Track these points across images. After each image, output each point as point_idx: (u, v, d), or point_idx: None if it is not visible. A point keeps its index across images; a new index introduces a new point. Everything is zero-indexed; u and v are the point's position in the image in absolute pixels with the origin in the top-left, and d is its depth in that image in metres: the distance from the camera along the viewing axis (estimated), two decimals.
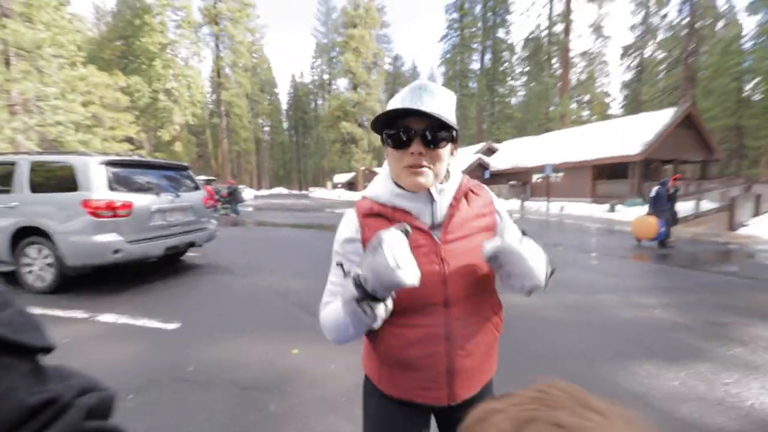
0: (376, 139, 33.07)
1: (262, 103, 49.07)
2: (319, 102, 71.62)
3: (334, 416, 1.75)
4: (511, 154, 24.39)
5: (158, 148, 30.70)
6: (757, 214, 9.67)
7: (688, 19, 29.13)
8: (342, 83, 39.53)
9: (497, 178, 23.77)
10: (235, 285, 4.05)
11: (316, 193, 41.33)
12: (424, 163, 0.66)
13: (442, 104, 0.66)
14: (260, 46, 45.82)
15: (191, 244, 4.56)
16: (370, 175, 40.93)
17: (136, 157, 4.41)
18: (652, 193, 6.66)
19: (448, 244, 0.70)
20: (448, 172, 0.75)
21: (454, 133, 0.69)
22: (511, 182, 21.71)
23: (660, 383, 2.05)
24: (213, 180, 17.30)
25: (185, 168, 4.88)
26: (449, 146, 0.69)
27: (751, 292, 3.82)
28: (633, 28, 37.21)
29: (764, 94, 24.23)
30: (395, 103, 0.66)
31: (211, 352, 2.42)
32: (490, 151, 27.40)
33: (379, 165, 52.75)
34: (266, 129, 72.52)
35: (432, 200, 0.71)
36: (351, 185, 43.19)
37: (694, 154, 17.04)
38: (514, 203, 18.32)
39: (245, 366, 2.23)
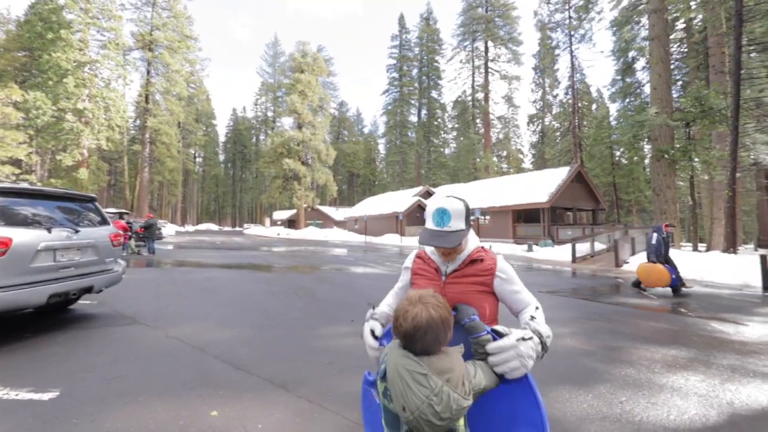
0: (321, 176, 33.32)
1: (196, 133, 46.11)
2: (261, 137, 70.25)
3: None
4: None
5: (56, 174, 26.10)
6: (633, 253, 11.96)
7: (571, 100, 37.28)
8: (287, 122, 39.79)
9: None
10: (138, 339, 3.43)
11: (252, 230, 38.64)
12: (448, 252, 1.16)
13: (457, 218, 1.10)
14: (200, 78, 44.34)
15: (87, 290, 3.79)
16: (312, 213, 40.24)
17: (25, 185, 3.70)
18: (653, 241, 6.46)
19: (447, 285, 1.16)
20: (467, 240, 1.19)
21: (467, 230, 1.13)
22: None
23: (573, 407, 2.27)
24: (126, 213, 15.12)
25: (91, 199, 4.23)
26: (464, 236, 1.11)
27: (633, 318, 4.59)
28: (534, 102, 46.01)
29: (627, 160, 31.42)
30: (429, 219, 1.14)
31: (101, 424, 1.96)
32: (427, 194, 29.54)
33: (322, 203, 52.49)
34: (199, 160, 67.53)
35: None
36: (292, 222, 41.66)
37: (586, 204, 20.77)
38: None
39: None
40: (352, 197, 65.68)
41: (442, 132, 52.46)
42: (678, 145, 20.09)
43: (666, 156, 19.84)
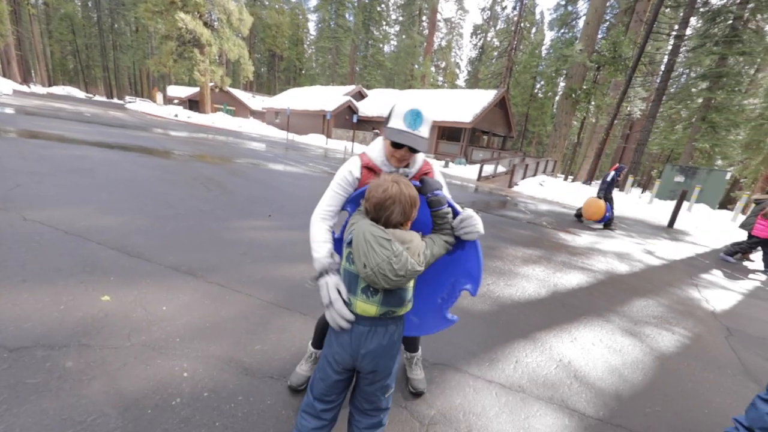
0: (231, 49, 26.81)
1: None
2: None
3: (165, 358, 1.56)
4: (377, 102, 25.25)
5: None
6: (524, 177, 14.16)
7: (516, 18, 36.07)
8: None
9: (363, 124, 24.43)
10: None
11: (137, 105, 30.79)
12: (406, 157, 1.14)
13: (427, 128, 1.09)
14: None
15: None
16: (221, 96, 33.76)
17: None
18: (608, 178, 6.73)
19: None
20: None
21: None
22: (375, 130, 22.87)
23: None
24: None
25: None
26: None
27: (511, 227, 5.71)
28: (483, 10, 42.99)
29: (543, 94, 34.08)
30: (399, 119, 1.06)
31: None
32: (360, 96, 27.43)
33: (234, 85, 43.94)
34: None
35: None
36: (194, 104, 34.50)
37: (501, 130, 22.63)
38: None
39: (14, 324, 1.62)
40: (272, 84, 56.46)
41: (384, 23, 46.11)
42: (585, 87, 22.37)
43: (573, 95, 22.07)
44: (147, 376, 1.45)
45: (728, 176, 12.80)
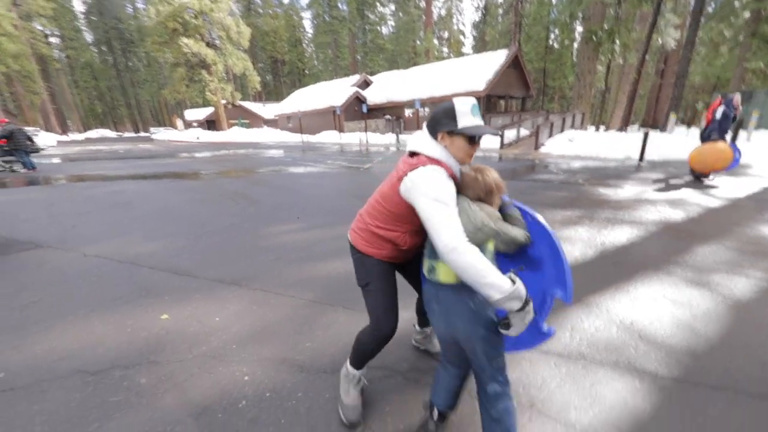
0: (236, 63, 27.43)
1: None
2: (139, 4, 52.11)
3: (226, 365, 1.65)
4: (384, 87, 24.75)
5: None
6: (551, 136, 13.31)
7: None
8: None
9: (374, 112, 24.14)
10: (46, 263, 3.01)
11: (162, 134, 32.69)
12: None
13: None
14: None
15: None
16: (235, 111, 34.86)
17: None
18: (719, 115, 5.41)
19: None
20: None
21: None
22: (387, 116, 22.54)
23: None
24: None
25: None
26: None
27: (542, 190, 5.40)
28: None
29: (560, 44, 31.50)
30: (469, 116, 1.05)
31: (27, 349, 1.82)
32: (365, 84, 27.05)
33: (245, 98, 45.18)
34: (55, 41, 49.56)
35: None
36: (211, 123, 36.02)
37: (518, 91, 21.34)
38: (391, 137, 19.37)
39: (91, 350, 1.79)
40: (279, 90, 57.28)
41: (378, 4, 44.70)
42: (606, 26, 20.35)
43: (594, 38, 20.18)
44: (212, 384, 1.54)
45: None
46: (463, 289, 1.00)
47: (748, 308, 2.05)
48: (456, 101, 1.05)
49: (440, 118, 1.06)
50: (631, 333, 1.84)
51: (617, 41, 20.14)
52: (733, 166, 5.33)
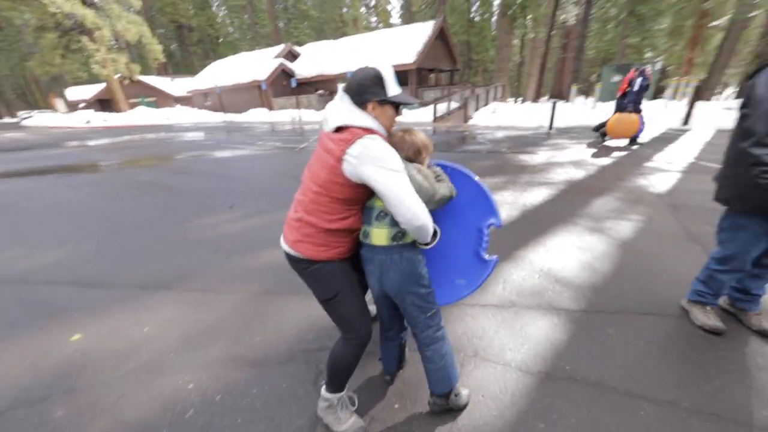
0: (127, 29, 22.76)
1: None
2: None
3: (164, 377, 1.50)
4: (313, 59, 23.23)
5: None
6: (477, 109, 14.18)
7: None
8: None
9: (304, 87, 22.69)
10: None
11: (36, 119, 26.26)
12: None
13: None
14: None
15: None
16: (135, 88, 29.44)
17: None
18: (636, 87, 5.84)
19: None
20: None
21: None
22: (319, 92, 21.38)
23: None
24: None
25: None
26: None
27: (472, 160, 5.81)
28: None
29: (481, 16, 32.88)
30: (394, 82, 1.04)
31: None
32: (292, 56, 25.03)
33: (146, 71, 38.34)
34: None
35: None
36: (105, 104, 29.95)
37: (446, 64, 21.98)
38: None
39: None
40: (189, 62, 49.76)
41: None
42: (518, 1, 21.76)
43: (509, 12, 21.49)
44: (150, 399, 1.39)
45: (659, 66, 13.58)
46: (394, 250, 1.09)
47: (630, 245, 2.55)
48: (380, 68, 1.02)
49: (369, 87, 1.01)
50: (549, 278, 2.17)
51: (529, 15, 21.77)
52: (638, 134, 6.23)
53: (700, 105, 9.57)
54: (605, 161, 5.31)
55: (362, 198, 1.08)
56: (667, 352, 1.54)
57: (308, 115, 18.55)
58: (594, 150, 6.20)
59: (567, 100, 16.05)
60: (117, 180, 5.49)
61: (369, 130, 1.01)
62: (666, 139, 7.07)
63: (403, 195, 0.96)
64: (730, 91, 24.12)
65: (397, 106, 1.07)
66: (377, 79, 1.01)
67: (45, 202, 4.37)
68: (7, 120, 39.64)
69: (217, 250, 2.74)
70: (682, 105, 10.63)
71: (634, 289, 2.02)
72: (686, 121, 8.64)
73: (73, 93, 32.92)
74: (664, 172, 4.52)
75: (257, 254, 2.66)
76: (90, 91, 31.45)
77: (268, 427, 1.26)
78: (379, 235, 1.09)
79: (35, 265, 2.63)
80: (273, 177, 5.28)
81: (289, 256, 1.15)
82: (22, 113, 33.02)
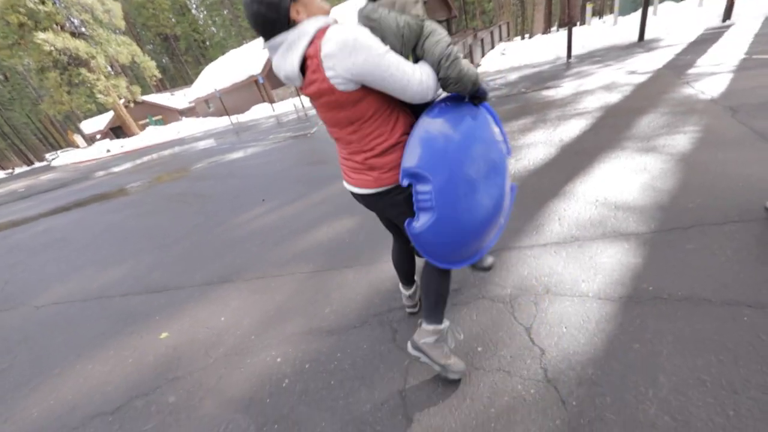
0: (119, 51, 22.94)
1: None
2: None
3: (253, 356, 1.60)
4: None
5: None
6: (483, 54, 13.25)
7: None
8: None
9: None
10: None
11: (63, 158, 27.84)
12: None
13: None
14: None
15: None
16: (141, 109, 30.18)
17: None
18: None
19: None
20: None
21: None
22: None
23: None
24: None
25: None
26: None
27: (493, 107, 5.48)
28: None
29: None
30: None
31: (20, 417, 1.62)
32: None
33: (146, 91, 39.03)
34: None
35: None
36: (118, 131, 31.04)
37: (441, 14, 20.49)
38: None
39: (98, 392, 1.63)
40: (183, 72, 49.92)
41: None
42: None
43: None
44: (247, 377, 1.49)
45: None
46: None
47: (692, 158, 2.34)
48: None
49: (277, 4, 0.78)
50: (608, 206, 2.04)
51: None
52: None
53: None
54: (640, 78, 4.82)
55: (378, 97, 0.89)
56: (761, 256, 1.42)
57: (309, 103, 18.22)
58: (624, 70, 5.64)
59: (583, 23, 14.56)
60: (150, 198, 5.75)
61: (321, 30, 0.81)
62: (706, 40, 6.29)
63: (400, 71, 0.82)
64: None
65: None
66: None
67: (95, 229, 4.67)
68: (38, 165, 42.38)
69: (264, 242, 2.83)
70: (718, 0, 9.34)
71: (707, 200, 1.86)
72: (728, 16, 7.59)
73: (88, 126, 34.30)
74: (712, 75, 4.04)
75: (301, 238, 2.71)
76: (102, 121, 32.61)
77: (362, 384, 1.32)
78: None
79: (106, 282, 2.84)
80: (293, 165, 5.30)
81: (370, 196, 1.04)
82: (48, 155, 35.03)
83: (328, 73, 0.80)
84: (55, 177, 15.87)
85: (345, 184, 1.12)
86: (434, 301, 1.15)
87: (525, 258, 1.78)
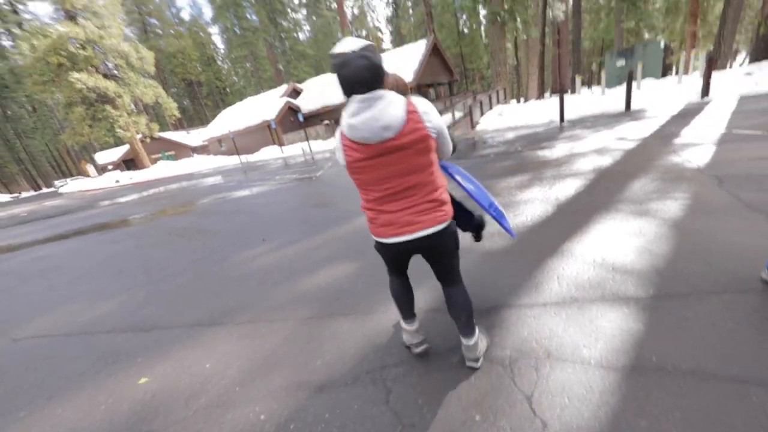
0: (145, 92, 24.79)
1: None
2: (5, 43, 44.26)
3: (235, 410, 1.50)
4: (316, 93, 24.33)
5: None
6: (482, 114, 14.25)
7: None
8: (43, 10, 25.08)
9: (311, 120, 23.64)
10: None
11: (72, 185, 28.45)
12: None
13: None
14: None
15: None
16: (156, 144, 31.64)
17: None
18: None
19: None
20: None
21: None
22: (325, 122, 22.19)
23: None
24: None
25: None
26: None
27: (490, 164, 5.77)
28: None
29: (470, 28, 33.77)
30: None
31: None
32: (295, 93, 26.33)
33: (163, 129, 41.23)
34: None
35: None
36: (130, 163, 32.19)
37: (443, 77, 22.46)
38: (334, 141, 19.15)
39: None
40: (201, 114, 53.19)
41: (289, 11, 43.66)
42: (507, 6, 22.26)
43: (498, 18, 21.95)
44: None
45: (662, 44, 13.35)
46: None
47: (684, 223, 2.41)
48: (354, 46, 1.02)
49: (380, 65, 1.05)
50: (606, 268, 2.06)
51: (518, 18, 22.13)
52: None
53: (716, 75, 9.24)
54: (629, 145, 5.14)
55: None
56: (762, 329, 1.41)
57: (317, 145, 19.18)
58: (614, 136, 6.04)
59: (573, 92, 15.89)
60: (153, 230, 5.78)
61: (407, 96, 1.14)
62: (688, 113, 6.81)
63: (449, 137, 1.25)
64: (743, 57, 23.22)
65: None
66: (371, 51, 1.04)
67: (92, 259, 4.63)
68: (45, 190, 43.11)
69: (261, 283, 2.79)
70: (695, 78, 10.31)
71: (702, 267, 1.88)
72: (705, 93, 8.32)
73: (101, 157, 35.61)
74: (696, 146, 4.32)
75: (299, 281, 2.68)
76: (116, 153, 33.93)
77: None
78: None
79: (94, 316, 2.75)
80: (296, 207, 5.41)
81: (437, 234, 1.21)
82: (58, 182, 35.85)
83: (427, 124, 1.09)
84: (60, 203, 16.08)
85: (393, 240, 1.22)
86: (469, 314, 1.39)
87: (524, 318, 1.75)
